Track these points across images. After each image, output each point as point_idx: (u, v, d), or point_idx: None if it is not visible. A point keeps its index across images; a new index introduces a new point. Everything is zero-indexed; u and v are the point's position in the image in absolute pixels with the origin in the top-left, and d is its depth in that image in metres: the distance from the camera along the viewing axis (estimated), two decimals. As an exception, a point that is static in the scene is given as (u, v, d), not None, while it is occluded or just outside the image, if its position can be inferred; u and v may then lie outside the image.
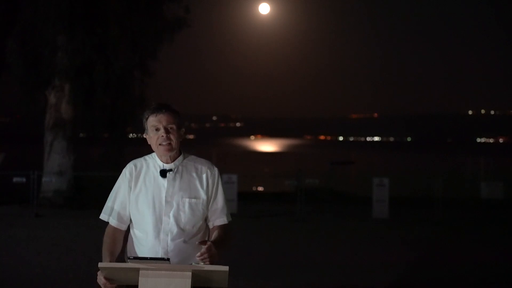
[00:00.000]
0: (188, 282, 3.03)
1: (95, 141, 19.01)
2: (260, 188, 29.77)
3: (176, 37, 17.93)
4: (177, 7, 17.91)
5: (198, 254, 3.22)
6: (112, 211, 3.49)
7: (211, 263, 3.20)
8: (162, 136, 3.40)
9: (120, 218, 3.48)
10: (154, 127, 3.43)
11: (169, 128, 3.42)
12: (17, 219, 13.72)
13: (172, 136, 3.41)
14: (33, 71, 16.86)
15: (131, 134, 19.57)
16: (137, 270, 3.05)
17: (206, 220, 3.53)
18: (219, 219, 3.53)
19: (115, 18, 16.80)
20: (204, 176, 3.50)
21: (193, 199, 3.44)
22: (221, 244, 3.37)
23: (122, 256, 3.55)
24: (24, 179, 15.49)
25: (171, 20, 17.80)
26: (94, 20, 16.98)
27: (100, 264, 3.10)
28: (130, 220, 3.50)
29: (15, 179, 15.50)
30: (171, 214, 3.40)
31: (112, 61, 17.02)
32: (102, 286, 3.20)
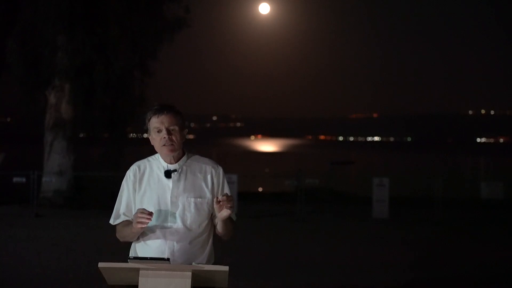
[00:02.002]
0: (188, 282, 3.04)
1: (95, 141, 19.00)
2: (260, 188, 29.76)
3: (176, 37, 17.94)
4: (177, 7, 17.91)
5: (217, 200, 3.31)
6: (120, 215, 3.51)
7: (231, 209, 3.29)
8: (164, 137, 3.41)
9: (127, 218, 3.49)
10: (156, 129, 3.43)
11: (171, 130, 3.42)
12: (17, 219, 13.72)
13: (174, 138, 3.42)
14: (33, 71, 16.86)
15: (131, 134, 19.57)
16: (137, 270, 3.06)
17: (212, 217, 3.52)
18: None
19: (115, 18, 16.79)
20: (208, 176, 3.51)
21: (198, 199, 3.44)
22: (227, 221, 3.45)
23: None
24: (24, 179, 15.48)
25: (171, 20, 17.80)
26: (94, 20, 16.97)
27: (100, 264, 3.10)
28: None
29: (15, 179, 15.50)
30: (177, 214, 3.40)
31: (112, 61, 17.02)
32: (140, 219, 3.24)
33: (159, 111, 3.44)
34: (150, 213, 3.26)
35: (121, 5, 16.83)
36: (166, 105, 3.47)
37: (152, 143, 3.49)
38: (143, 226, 3.27)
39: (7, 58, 16.87)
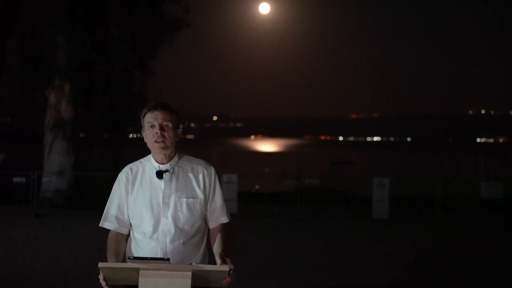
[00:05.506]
0: (188, 282, 3.03)
1: (95, 141, 19.01)
2: (260, 188, 29.73)
3: (176, 37, 17.94)
4: (177, 7, 17.92)
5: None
6: (111, 217, 3.48)
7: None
8: (157, 133, 3.39)
9: (120, 222, 3.47)
10: (150, 123, 3.43)
11: (164, 126, 3.41)
12: (17, 219, 13.72)
13: (167, 134, 3.40)
14: (33, 71, 16.86)
15: (131, 134, 19.56)
16: (137, 270, 3.05)
17: (205, 220, 3.53)
18: (219, 218, 3.52)
19: (115, 18, 16.79)
20: (200, 176, 3.48)
21: (190, 199, 3.42)
22: (228, 247, 3.42)
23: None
24: (24, 179, 15.48)
25: (171, 20, 17.80)
26: (94, 20, 16.97)
27: (100, 264, 3.09)
28: (131, 224, 3.50)
29: (15, 179, 15.50)
30: (169, 215, 3.38)
31: (112, 61, 17.01)
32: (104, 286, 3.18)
33: (153, 107, 3.44)
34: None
35: (121, 5, 16.83)
36: (162, 103, 3.48)
37: (145, 139, 3.47)
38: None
39: (7, 58, 16.87)
